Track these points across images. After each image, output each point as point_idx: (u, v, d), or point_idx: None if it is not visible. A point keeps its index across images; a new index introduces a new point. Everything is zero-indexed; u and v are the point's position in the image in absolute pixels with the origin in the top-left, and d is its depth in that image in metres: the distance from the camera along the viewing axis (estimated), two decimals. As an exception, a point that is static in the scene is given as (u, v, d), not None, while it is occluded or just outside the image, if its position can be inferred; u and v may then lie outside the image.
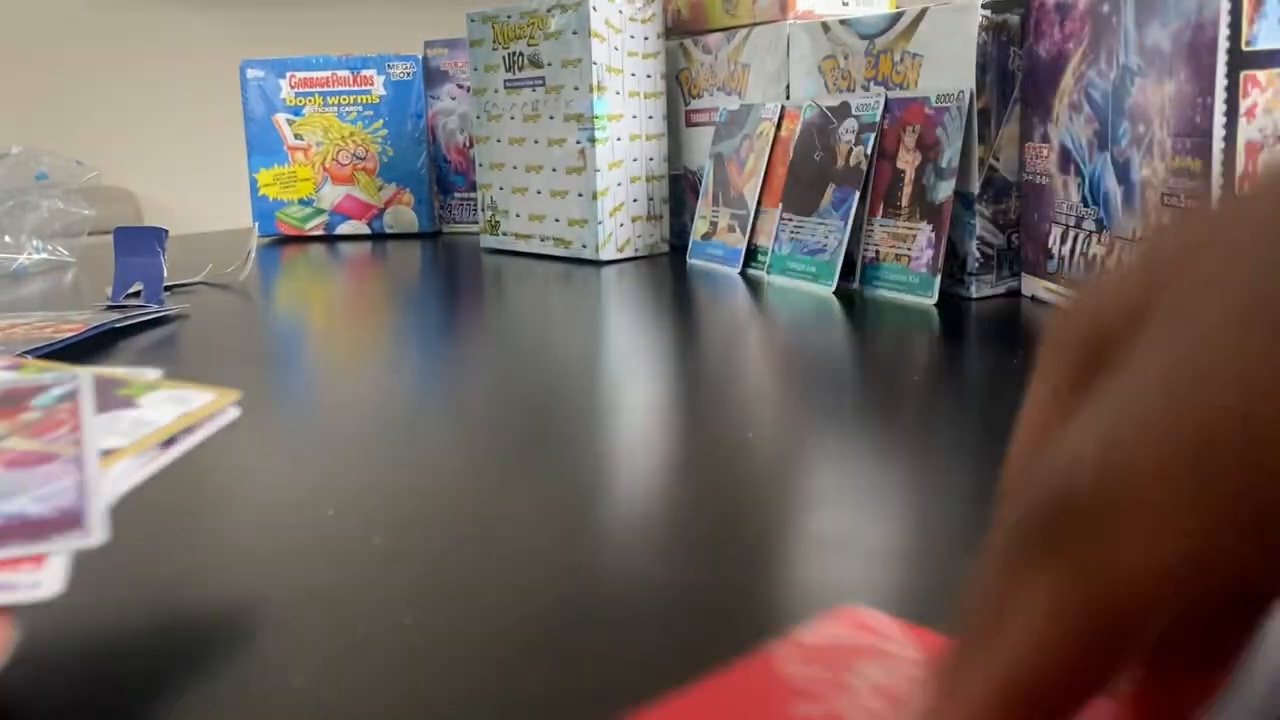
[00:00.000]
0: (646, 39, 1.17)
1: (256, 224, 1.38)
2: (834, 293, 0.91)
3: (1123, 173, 0.72)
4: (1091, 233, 0.77)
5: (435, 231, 1.48)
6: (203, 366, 0.75)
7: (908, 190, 0.89)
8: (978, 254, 0.86)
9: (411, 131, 1.45)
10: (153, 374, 0.37)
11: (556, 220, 1.19)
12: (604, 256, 1.15)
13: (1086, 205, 0.77)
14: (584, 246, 1.16)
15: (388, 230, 1.47)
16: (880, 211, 0.91)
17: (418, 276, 1.14)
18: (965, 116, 0.85)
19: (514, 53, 1.21)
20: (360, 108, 1.45)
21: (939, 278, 0.85)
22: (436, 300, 0.99)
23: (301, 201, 1.46)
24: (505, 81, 1.23)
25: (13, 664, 0.30)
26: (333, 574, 0.40)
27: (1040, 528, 0.17)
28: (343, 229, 1.46)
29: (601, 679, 0.32)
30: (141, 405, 0.33)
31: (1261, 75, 0.62)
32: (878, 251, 0.91)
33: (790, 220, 0.99)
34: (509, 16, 1.21)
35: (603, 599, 0.37)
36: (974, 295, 0.86)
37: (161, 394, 0.35)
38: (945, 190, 0.86)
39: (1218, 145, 0.63)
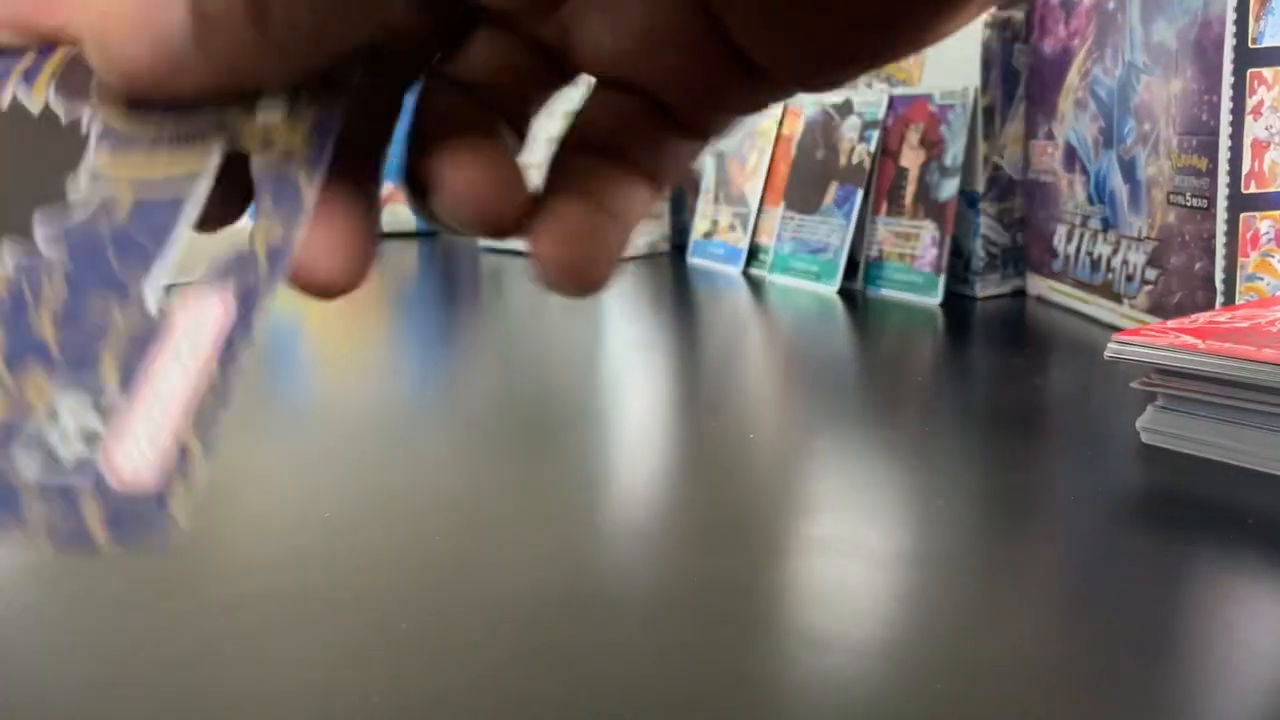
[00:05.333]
0: (647, 37, 1.16)
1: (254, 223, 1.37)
2: (837, 292, 0.90)
3: (1128, 171, 0.72)
4: (1097, 231, 0.76)
5: (434, 231, 1.48)
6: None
7: (911, 188, 0.88)
8: (982, 253, 0.86)
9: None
10: None
11: (557, 219, 1.19)
12: (605, 255, 1.15)
13: (1092, 203, 0.76)
14: (585, 245, 1.16)
15: (385, 229, 1.46)
16: (883, 210, 0.90)
17: (415, 276, 1.14)
18: (969, 114, 0.84)
19: (514, 50, 1.20)
20: (360, 106, 1.44)
21: (943, 277, 0.84)
22: (434, 300, 0.98)
23: (301, 200, 1.46)
24: (505, 79, 1.22)
25: (3, 658, 0.30)
26: (329, 576, 0.39)
27: None
28: (342, 228, 1.46)
29: (602, 679, 0.31)
30: None
31: (1268, 73, 0.61)
32: (881, 250, 0.90)
33: (792, 219, 0.98)
34: (509, 14, 1.20)
35: (603, 600, 0.36)
36: (978, 295, 0.86)
37: None
38: (949, 188, 0.85)
39: (1224, 143, 0.62)
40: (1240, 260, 0.63)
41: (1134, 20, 0.70)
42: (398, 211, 1.47)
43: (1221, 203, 0.63)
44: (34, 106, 0.16)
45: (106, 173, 0.16)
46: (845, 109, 0.95)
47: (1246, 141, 0.62)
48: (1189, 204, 0.65)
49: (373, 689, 0.31)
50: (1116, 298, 0.73)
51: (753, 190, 1.05)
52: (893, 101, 0.91)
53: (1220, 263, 0.63)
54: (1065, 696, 0.30)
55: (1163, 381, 0.48)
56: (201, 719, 0.30)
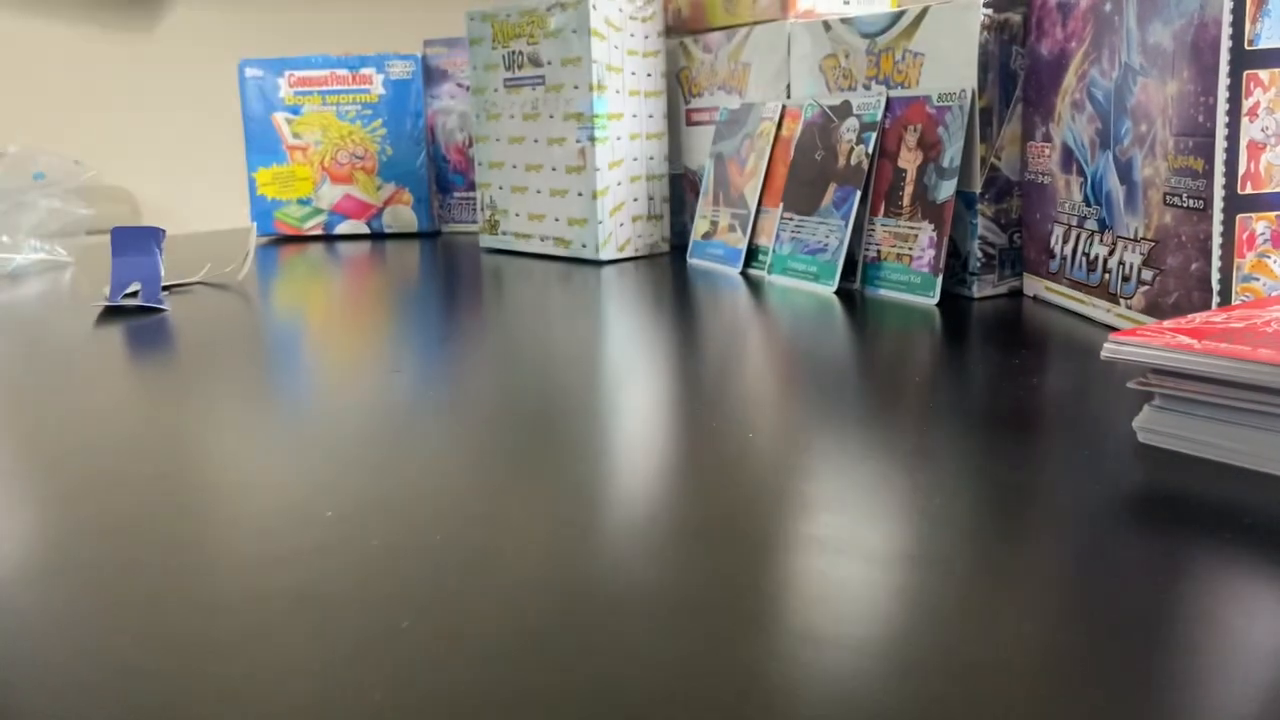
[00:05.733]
0: (647, 37, 1.16)
1: (255, 224, 1.38)
2: (835, 293, 0.90)
3: (1125, 172, 0.72)
4: (1094, 232, 0.76)
5: (434, 231, 1.48)
6: (201, 367, 0.75)
7: (909, 190, 0.89)
8: (979, 254, 0.86)
9: (411, 131, 1.45)
10: None
11: (556, 220, 1.19)
12: (604, 256, 1.15)
13: (1089, 204, 0.77)
14: (584, 246, 1.16)
15: (386, 230, 1.46)
16: (882, 211, 0.91)
17: (417, 276, 1.14)
18: (967, 115, 0.85)
19: (513, 51, 1.21)
20: (359, 106, 1.44)
21: (941, 277, 0.84)
22: (436, 300, 0.98)
23: (300, 201, 1.46)
24: (505, 80, 1.22)
25: (3, 657, 0.30)
26: (331, 575, 0.39)
27: None
28: (341, 228, 1.46)
29: (601, 678, 0.31)
30: None
31: (1264, 74, 0.62)
32: (879, 251, 0.90)
33: (791, 220, 0.98)
34: (508, 15, 1.21)
35: (602, 599, 0.37)
36: (976, 295, 0.86)
37: None
38: (947, 190, 0.85)
39: (1220, 144, 0.63)
40: (1236, 261, 0.63)
41: (1131, 22, 0.70)
42: (398, 212, 1.47)
43: (1218, 204, 0.63)
44: None
45: None
46: (843, 111, 0.95)
47: (1243, 143, 0.62)
48: (1185, 205, 0.66)
49: (374, 686, 0.32)
50: (1113, 298, 0.74)
51: (751, 191, 1.06)
52: (890, 103, 0.91)
53: (1216, 263, 0.64)
54: (1062, 695, 0.30)
55: (1159, 381, 0.49)
56: (202, 716, 0.31)
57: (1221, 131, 0.62)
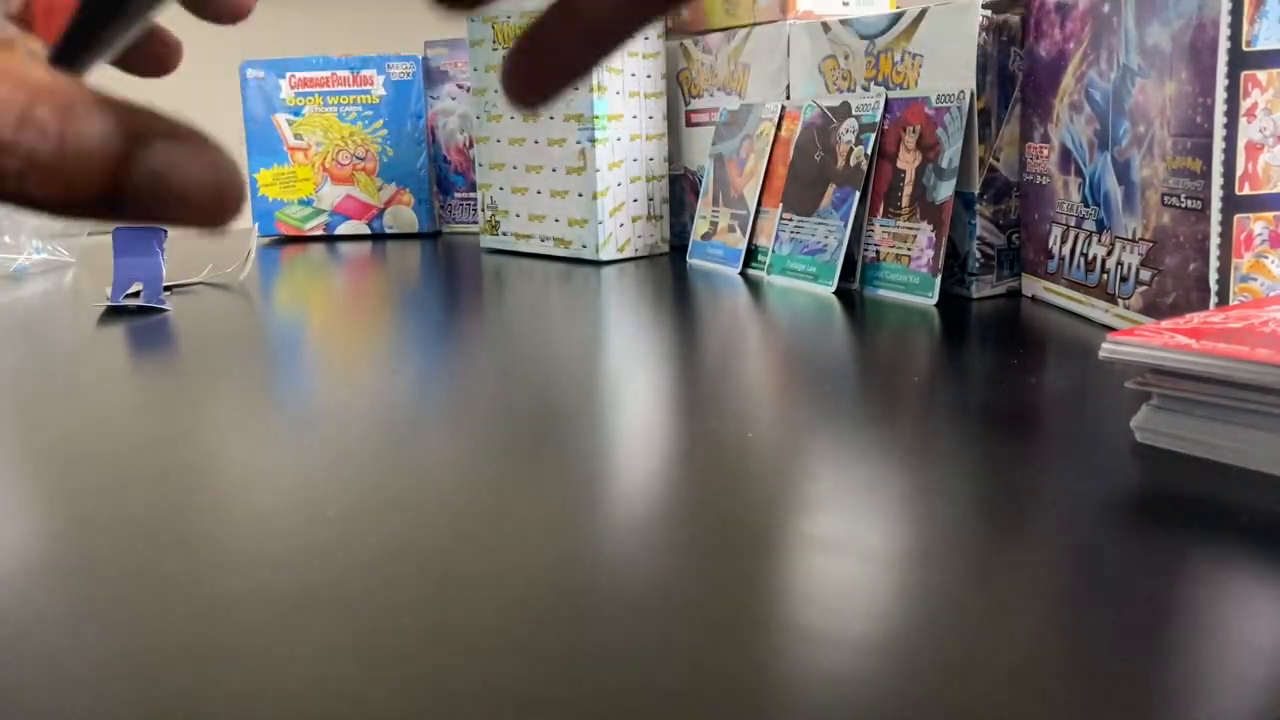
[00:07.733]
0: (646, 39, 1.17)
1: (256, 224, 1.38)
2: (834, 293, 0.91)
3: (1123, 173, 0.72)
4: (1092, 233, 0.76)
5: (435, 231, 1.48)
6: (203, 367, 0.75)
7: (908, 190, 0.89)
8: (978, 254, 0.86)
9: (411, 131, 1.45)
10: None
11: (556, 220, 1.19)
12: (604, 256, 1.15)
13: (1087, 205, 0.77)
14: (584, 246, 1.16)
15: (387, 230, 1.46)
16: (880, 211, 0.91)
17: (418, 277, 1.14)
18: (965, 117, 0.85)
19: (514, 53, 1.21)
20: (360, 108, 1.44)
21: (939, 278, 0.85)
22: (436, 300, 0.98)
23: (301, 201, 1.46)
24: (505, 81, 1.22)
25: (8, 652, 0.30)
26: (333, 573, 0.40)
27: None
28: (342, 229, 1.46)
29: (602, 675, 0.32)
30: None
31: (1262, 75, 0.62)
32: (878, 251, 0.91)
33: (790, 220, 0.99)
34: (509, 17, 1.21)
35: (602, 597, 0.37)
36: (974, 295, 0.86)
37: None
38: (946, 190, 0.86)
39: (1218, 145, 0.63)
40: (1234, 261, 0.63)
41: (1129, 23, 0.71)
42: (399, 213, 1.47)
43: (1215, 204, 0.63)
44: None
45: None
46: (842, 112, 0.96)
47: (1240, 143, 0.62)
48: (1183, 205, 0.66)
49: (376, 684, 0.32)
50: (1111, 298, 0.74)
51: (751, 192, 1.06)
52: (889, 104, 0.91)
53: (1214, 264, 0.64)
54: (1060, 694, 0.30)
55: (1157, 381, 0.49)
56: (205, 715, 0.31)
57: (1219, 132, 0.63)
